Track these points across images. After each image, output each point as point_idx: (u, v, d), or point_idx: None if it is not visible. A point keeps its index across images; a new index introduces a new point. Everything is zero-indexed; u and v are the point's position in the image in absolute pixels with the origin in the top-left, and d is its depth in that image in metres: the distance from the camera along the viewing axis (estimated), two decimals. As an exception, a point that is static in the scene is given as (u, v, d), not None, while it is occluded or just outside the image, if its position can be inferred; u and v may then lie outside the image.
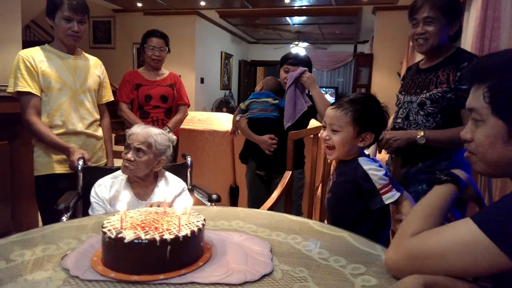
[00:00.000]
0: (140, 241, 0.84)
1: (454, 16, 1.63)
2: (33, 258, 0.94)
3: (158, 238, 0.85)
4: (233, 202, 3.51)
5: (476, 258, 0.74)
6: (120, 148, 1.79)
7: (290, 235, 1.13)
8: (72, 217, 1.61)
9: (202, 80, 8.25)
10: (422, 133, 1.60)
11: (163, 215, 1.01)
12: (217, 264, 0.91)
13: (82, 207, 1.80)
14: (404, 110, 1.74)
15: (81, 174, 1.84)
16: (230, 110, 7.97)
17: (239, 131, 2.56)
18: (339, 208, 1.43)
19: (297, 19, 8.43)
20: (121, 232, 0.87)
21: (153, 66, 2.72)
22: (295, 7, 7.30)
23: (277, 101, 2.36)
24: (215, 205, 1.76)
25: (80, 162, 1.86)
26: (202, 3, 7.02)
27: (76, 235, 1.10)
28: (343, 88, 11.63)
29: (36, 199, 2.09)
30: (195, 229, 0.91)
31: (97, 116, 2.18)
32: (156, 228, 0.91)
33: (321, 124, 1.73)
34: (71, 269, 0.87)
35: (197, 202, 1.80)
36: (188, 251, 0.90)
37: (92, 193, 1.64)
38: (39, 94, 1.94)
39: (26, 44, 2.72)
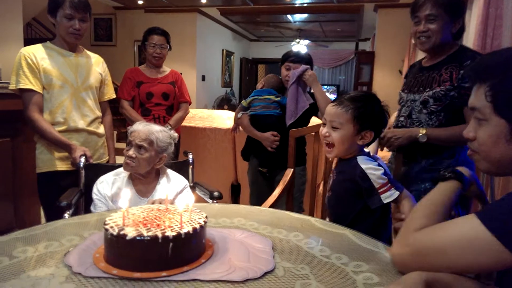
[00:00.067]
0: (142, 238, 0.85)
1: (457, 14, 1.62)
2: (35, 254, 0.94)
3: (160, 235, 0.85)
4: (235, 199, 3.51)
5: (479, 254, 0.74)
6: (122, 145, 1.79)
7: (292, 233, 1.13)
8: (74, 214, 1.61)
9: (203, 78, 8.24)
10: (423, 131, 1.60)
11: (165, 212, 1.01)
12: (219, 261, 0.91)
13: (84, 204, 1.80)
14: (407, 109, 1.73)
15: (83, 171, 1.84)
16: (232, 108, 7.96)
17: (240, 128, 2.56)
18: (339, 206, 1.43)
19: (298, 17, 8.42)
20: (123, 229, 0.88)
21: (154, 63, 2.72)
22: (296, 5, 7.29)
23: (279, 99, 2.37)
24: (217, 202, 1.76)
25: (82, 159, 1.87)
26: (203, 1, 7.02)
27: (79, 232, 1.10)
28: (344, 86, 11.60)
29: (39, 196, 2.09)
30: (197, 226, 0.91)
31: (99, 114, 2.18)
32: (158, 225, 0.91)
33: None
34: (74, 265, 0.87)
35: (199, 200, 1.80)
36: (190, 248, 0.90)
37: (94, 190, 1.64)
38: (41, 91, 1.95)
39: (28, 42, 2.72)
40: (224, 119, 3.46)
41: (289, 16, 8.30)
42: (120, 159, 1.80)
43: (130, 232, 0.86)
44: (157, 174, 1.71)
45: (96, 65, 2.17)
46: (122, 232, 0.86)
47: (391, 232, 1.46)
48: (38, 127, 1.93)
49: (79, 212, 1.75)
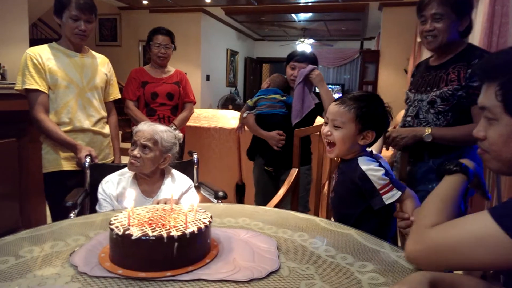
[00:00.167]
0: (147, 238, 0.85)
1: (464, 11, 1.58)
2: (42, 254, 0.95)
3: (165, 235, 0.85)
4: (239, 199, 3.51)
5: (492, 252, 0.74)
6: (127, 145, 1.80)
7: (297, 232, 1.13)
8: (79, 213, 1.62)
9: (208, 78, 8.25)
10: (428, 131, 1.58)
11: (170, 212, 1.01)
12: (224, 261, 0.91)
13: (90, 204, 1.81)
14: (414, 108, 1.71)
15: (88, 171, 1.85)
16: (236, 107, 7.97)
17: (245, 128, 2.57)
18: (342, 207, 1.42)
19: (303, 16, 8.40)
20: (128, 229, 0.88)
21: (159, 63, 2.72)
22: (301, 4, 7.28)
23: (284, 98, 2.37)
24: (221, 202, 1.76)
25: (87, 159, 1.87)
26: (208, 0, 7.02)
27: (84, 232, 1.10)
28: (349, 85, 11.57)
29: (46, 196, 2.11)
30: (202, 226, 0.91)
31: (104, 114, 2.19)
32: (163, 225, 0.91)
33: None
34: (79, 265, 0.87)
35: (204, 199, 1.80)
36: (195, 248, 0.90)
37: (100, 189, 1.65)
38: (46, 91, 1.96)
39: (33, 42, 2.74)
40: (229, 118, 3.46)
41: (293, 15, 8.29)
42: (125, 159, 1.81)
43: (135, 232, 0.86)
44: (162, 174, 1.71)
45: (102, 65, 2.18)
46: (127, 232, 0.86)
47: (395, 232, 1.45)
48: (44, 127, 1.94)
49: (85, 212, 1.76)
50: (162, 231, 0.87)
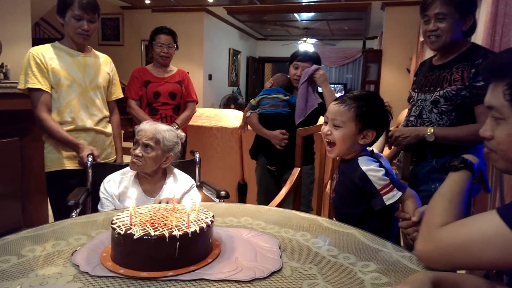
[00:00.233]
0: (149, 237, 0.85)
1: (467, 11, 1.57)
2: (43, 253, 0.95)
3: (167, 235, 0.85)
4: (241, 198, 3.51)
5: (501, 251, 0.74)
6: (129, 144, 1.80)
7: (299, 232, 1.13)
8: (81, 213, 1.62)
9: (210, 77, 8.25)
10: (431, 130, 1.57)
11: (172, 212, 1.01)
12: (226, 261, 0.91)
13: (92, 203, 1.81)
14: (417, 108, 1.70)
15: (90, 171, 1.85)
16: (238, 107, 7.97)
17: (248, 127, 2.57)
18: (343, 207, 1.42)
19: (305, 15, 8.39)
20: (130, 228, 0.88)
21: (162, 63, 2.72)
22: (303, 3, 7.27)
23: (287, 97, 2.38)
24: (223, 201, 1.76)
25: (90, 159, 1.88)
26: (210, 0, 7.02)
27: (86, 231, 1.10)
28: (351, 84, 11.55)
29: (48, 195, 2.12)
30: (204, 225, 0.91)
31: (107, 113, 2.19)
32: (165, 224, 0.91)
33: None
34: (81, 264, 0.87)
35: (206, 199, 1.80)
36: (197, 247, 0.90)
37: (101, 188, 1.65)
38: (49, 91, 1.96)
39: (36, 42, 2.74)
40: (231, 118, 3.46)
41: (296, 15, 8.28)
42: (127, 159, 1.81)
43: (137, 232, 0.86)
44: (164, 174, 1.71)
45: (104, 65, 2.18)
46: (129, 232, 0.86)
47: (397, 232, 1.45)
48: (46, 127, 1.94)
49: (87, 211, 1.76)
50: (164, 230, 0.87)
